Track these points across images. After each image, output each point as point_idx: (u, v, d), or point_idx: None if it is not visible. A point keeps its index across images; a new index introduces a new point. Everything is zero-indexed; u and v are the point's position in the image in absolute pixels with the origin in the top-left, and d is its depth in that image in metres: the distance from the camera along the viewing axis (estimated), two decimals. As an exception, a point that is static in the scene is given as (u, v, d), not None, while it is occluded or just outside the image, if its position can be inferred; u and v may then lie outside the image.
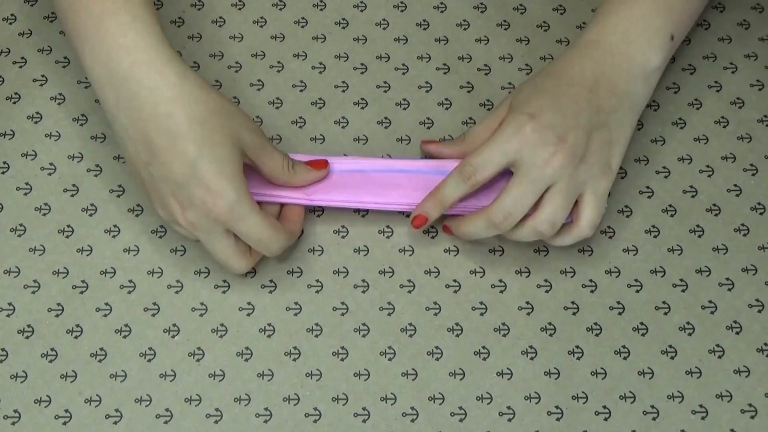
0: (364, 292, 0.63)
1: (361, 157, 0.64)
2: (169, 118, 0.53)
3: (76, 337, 0.61)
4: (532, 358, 0.62)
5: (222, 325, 0.62)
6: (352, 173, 0.62)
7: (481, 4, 0.72)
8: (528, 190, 0.57)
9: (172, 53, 0.55)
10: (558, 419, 0.60)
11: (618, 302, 0.63)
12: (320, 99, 0.68)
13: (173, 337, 0.62)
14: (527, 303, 0.63)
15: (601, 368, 0.62)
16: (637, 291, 0.64)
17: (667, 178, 0.67)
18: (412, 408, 0.60)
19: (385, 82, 0.69)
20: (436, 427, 0.60)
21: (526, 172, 0.57)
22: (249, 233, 0.56)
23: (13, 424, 0.59)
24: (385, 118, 0.68)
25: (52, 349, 0.61)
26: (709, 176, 0.67)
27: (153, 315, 0.62)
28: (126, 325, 0.62)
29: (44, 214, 0.64)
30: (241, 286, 0.63)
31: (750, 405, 0.61)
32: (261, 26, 0.70)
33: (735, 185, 0.67)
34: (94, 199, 0.65)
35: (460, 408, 0.60)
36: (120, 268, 0.63)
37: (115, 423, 0.59)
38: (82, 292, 0.62)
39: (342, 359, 0.61)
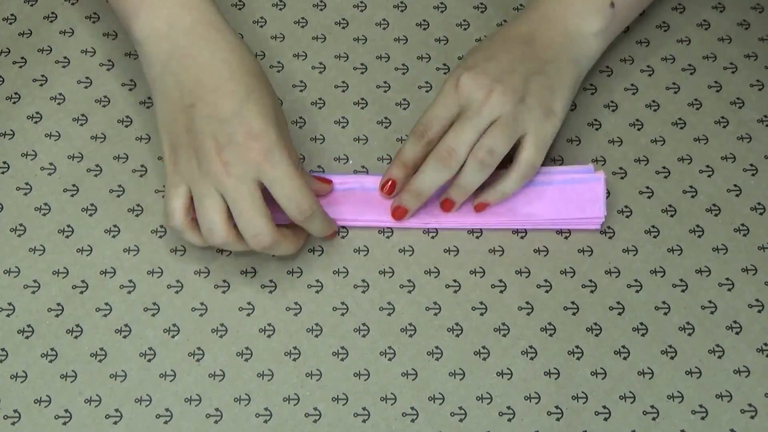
0: (364, 292, 0.63)
1: (362, 175, 0.65)
2: (224, 63, 0.57)
3: (76, 337, 0.61)
4: (532, 358, 0.62)
5: (222, 325, 0.62)
6: (353, 191, 0.64)
7: (481, 4, 0.72)
8: (468, 126, 0.59)
9: (227, 22, 0.60)
10: (558, 419, 0.60)
11: (618, 302, 0.63)
12: (320, 99, 0.68)
13: (173, 337, 0.62)
14: (527, 303, 0.63)
15: (601, 368, 0.62)
16: (637, 291, 0.64)
17: (667, 178, 0.67)
18: (412, 408, 0.60)
19: (385, 82, 0.69)
20: (436, 427, 0.60)
21: (467, 114, 0.60)
22: (281, 182, 0.55)
23: (13, 424, 0.59)
24: (385, 118, 0.68)
25: (52, 349, 0.61)
26: (709, 176, 0.67)
27: (153, 315, 0.62)
28: (126, 325, 0.62)
29: (44, 214, 0.64)
30: (241, 286, 0.63)
31: (750, 405, 0.61)
32: (261, 26, 0.70)
33: (735, 185, 0.67)
34: (94, 199, 0.65)
35: (460, 408, 0.60)
36: (120, 268, 0.63)
37: (115, 423, 0.59)
38: (82, 292, 0.62)
39: (342, 359, 0.61)
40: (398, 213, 0.63)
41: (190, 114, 0.56)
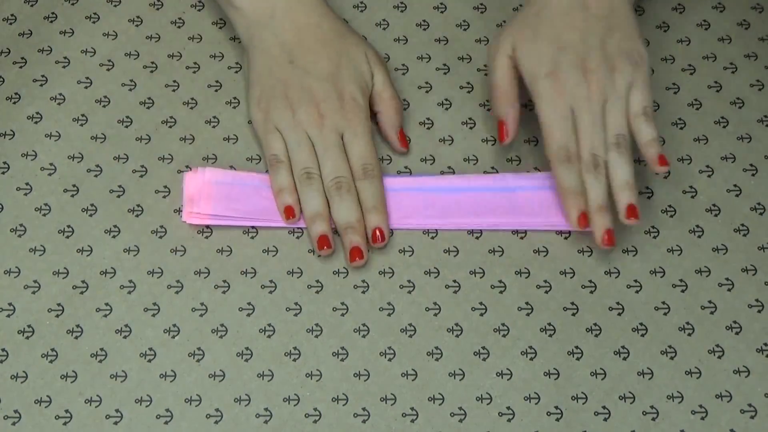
0: (364, 292, 0.63)
1: (419, 176, 0.66)
2: (318, 27, 0.65)
3: (76, 338, 0.61)
4: (531, 359, 0.62)
5: (222, 325, 0.62)
6: (411, 192, 0.65)
7: (481, 4, 0.72)
8: (592, 129, 0.60)
9: None
10: (558, 419, 0.60)
11: (617, 303, 0.63)
12: (320, 99, 0.68)
13: (173, 337, 0.62)
14: (527, 303, 0.63)
15: (601, 368, 0.62)
16: (637, 291, 0.64)
17: (667, 179, 0.67)
18: (412, 408, 0.60)
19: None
20: (436, 428, 0.60)
21: (582, 116, 0.61)
22: (358, 138, 0.63)
23: (14, 424, 0.59)
24: (385, 118, 0.68)
25: (52, 350, 0.61)
26: (709, 176, 0.67)
27: (153, 315, 0.62)
28: (126, 325, 0.62)
29: (44, 214, 0.64)
30: (241, 286, 0.63)
31: (750, 405, 0.61)
32: (261, 26, 0.70)
33: (735, 185, 0.67)
34: (94, 199, 0.65)
35: (460, 408, 0.60)
36: (120, 268, 0.63)
37: (115, 423, 0.59)
38: (82, 292, 0.62)
39: (342, 359, 0.61)
40: (608, 239, 0.61)
41: (288, 69, 0.64)
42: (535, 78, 0.62)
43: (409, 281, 0.63)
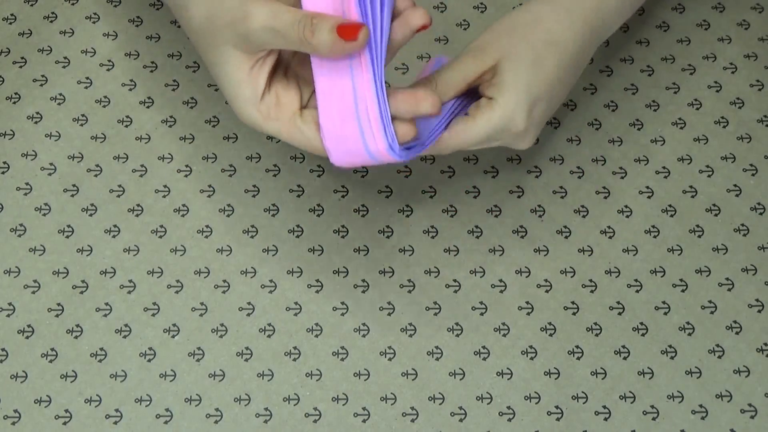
0: (364, 292, 0.63)
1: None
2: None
3: (76, 337, 0.61)
4: (532, 358, 0.62)
5: (222, 325, 0.62)
6: None
7: (481, 4, 0.72)
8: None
9: None
10: (558, 419, 0.60)
11: (618, 302, 0.63)
12: (320, 99, 0.68)
13: (173, 337, 0.62)
14: (527, 303, 0.63)
15: (601, 368, 0.62)
16: (637, 291, 0.64)
17: (667, 178, 0.67)
18: (412, 408, 0.60)
19: (385, 82, 0.69)
20: (436, 427, 0.60)
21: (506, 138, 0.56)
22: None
23: (13, 424, 0.59)
24: (385, 118, 0.68)
25: (52, 349, 0.61)
26: (709, 176, 0.67)
27: (153, 315, 0.62)
28: (126, 325, 0.62)
29: (44, 214, 0.64)
30: (241, 286, 0.63)
31: (750, 405, 0.61)
32: (261, 26, 0.70)
33: (735, 185, 0.67)
34: (94, 199, 0.65)
35: (460, 408, 0.60)
36: (120, 268, 0.63)
37: (115, 423, 0.59)
38: (82, 292, 0.62)
39: (342, 359, 0.61)
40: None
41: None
42: (519, 99, 0.54)
43: (409, 281, 0.63)
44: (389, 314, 0.63)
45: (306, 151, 0.51)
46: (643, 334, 0.62)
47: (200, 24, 0.51)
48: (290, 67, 0.53)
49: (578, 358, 0.62)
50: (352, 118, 0.49)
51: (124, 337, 0.61)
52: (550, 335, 0.62)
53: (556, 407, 0.61)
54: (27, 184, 0.65)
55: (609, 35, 0.61)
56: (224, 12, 0.49)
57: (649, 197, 0.66)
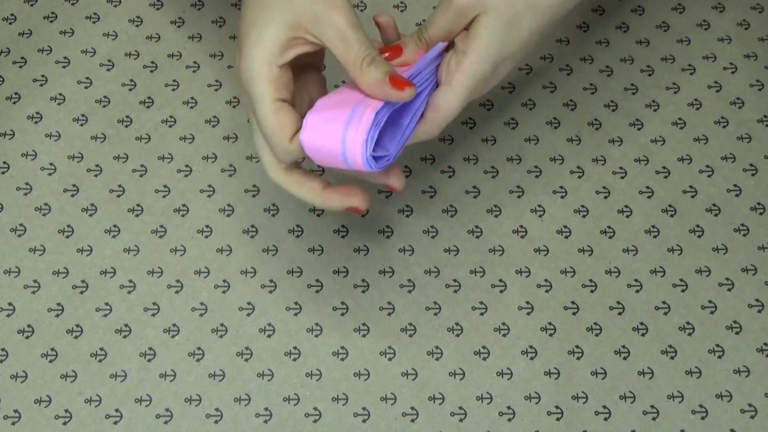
0: (364, 292, 0.63)
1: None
2: None
3: (76, 337, 0.61)
4: (532, 358, 0.62)
5: (222, 325, 0.62)
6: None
7: (481, 4, 0.72)
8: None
9: None
10: (558, 419, 0.60)
11: (618, 302, 0.63)
12: (320, 99, 0.68)
13: (173, 337, 0.62)
14: (527, 303, 0.63)
15: (601, 368, 0.62)
16: (637, 291, 0.64)
17: (667, 178, 0.67)
18: (412, 408, 0.60)
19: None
20: (436, 427, 0.60)
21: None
22: (258, 120, 0.51)
23: (13, 424, 0.59)
24: (385, 118, 0.68)
25: (52, 349, 0.61)
26: (709, 176, 0.67)
27: (153, 315, 0.62)
28: (126, 325, 0.62)
29: (44, 214, 0.64)
30: (241, 286, 0.63)
31: (750, 405, 0.61)
32: (261, 26, 0.70)
33: (735, 185, 0.67)
34: (94, 199, 0.65)
35: (460, 408, 0.60)
36: (120, 268, 0.63)
37: (115, 423, 0.59)
38: (82, 292, 0.62)
39: (342, 359, 0.61)
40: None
41: None
42: (482, 56, 0.54)
43: (409, 281, 0.63)
44: (389, 314, 0.63)
45: (262, 131, 0.51)
46: (643, 334, 0.62)
47: None
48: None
49: (578, 358, 0.62)
50: (345, 115, 0.49)
51: (124, 337, 0.61)
52: (550, 335, 0.62)
53: (556, 407, 0.61)
54: (27, 184, 0.65)
55: (573, 5, 0.60)
56: None
57: (649, 197, 0.66)
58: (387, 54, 0.55)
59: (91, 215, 0.64)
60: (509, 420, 0.60)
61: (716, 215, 0.66)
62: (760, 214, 0.66)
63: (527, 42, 0.56)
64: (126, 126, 0.67)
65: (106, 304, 0.62)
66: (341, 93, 0.51)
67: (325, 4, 0.50)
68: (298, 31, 0.50)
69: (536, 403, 0.61)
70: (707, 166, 0.67)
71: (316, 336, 0.62)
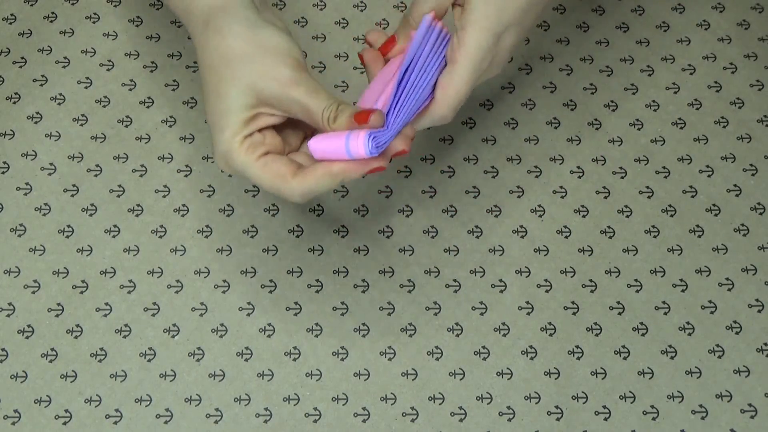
0: (364, 292, 0.63)
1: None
2: (199, 67, 0.54)
3: (76, 337, 0.61)
4: (532, 358, 0.62)
5: (222, 325, 0.62)
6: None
7: (481, 4, 0.72)
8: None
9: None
10: (558, 419, 0.60)
11: (618, 302, 0.63)
12: (320, 99, 0.68)
13: (173, 337, 0.62)
14: (527, 303, 0.63)
15: (601, 368, 0.62)
16: (637, 291, 0.64)
17: (667, 178, 0.67)
18: (412, 408, 0.60)
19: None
20: (436, 427, 0.60)
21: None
22: (257, 184, 0.53)
23: (13, 424, 0.59)
24: (385, 118, 0.68)
25: (52, 349, 0.61)
26: (709, 176, 0.67)
27: (153, 315, 0.62)
28: (126, 325, 0.62)
29: (44, 214, 0.64)
30: (241, 286, 0.63)
31: (750, 405, 0.61)
32: (261, 26, 0.70)
33: (735, 185, 0.67)
34: (94, 199, 0.65)
35: (460, 408, 0.60)
36: (120, 268, 0.63)
37: (115, 423, 0.59)
38: (82, 292, 0.62)
39: (342, 359, 0.61)
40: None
41: None
42: (482, 26, 0.54)
43: (409, 281, 0.63)
44: (389, 314, 0.63)
45: (264, 189, 0.53)
46: (643, 334, 0.62)
47: (230, 54, 0.52)
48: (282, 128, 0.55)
49: (578, 358, 0.62)
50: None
51: (124, 337, 0.61)
52: (550, 335, 0.62)
53: (556, 407, 0.61)
54: (27, 184, 0.65)
55: None
56: (266, 62, 0.52)
57: (649, 197, 0.66)
58: (381, 49, 0.56)
59: (91, 215, 0.64)
60: (509, 420, 0.60)
61: (716, 215, 0.66)
62: (760, 214, 0.66)
63: (528, 6, 0.54)
64: (126, 126, 0.67)
65: (106, 304, 0.62)
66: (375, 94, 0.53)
67: (281, 83, 0.52)
68: (260, 107, 0.52)
69: (536, 403, 0.61)
70: (707, 166, 0.67)
71: (316, 336, 0.62)
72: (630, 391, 0.61)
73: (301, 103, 0.52)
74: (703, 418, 0.61)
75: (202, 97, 0.55)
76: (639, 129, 0.68)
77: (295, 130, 0.56)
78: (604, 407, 0.61)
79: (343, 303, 0.63)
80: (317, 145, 0.51)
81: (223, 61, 0.53)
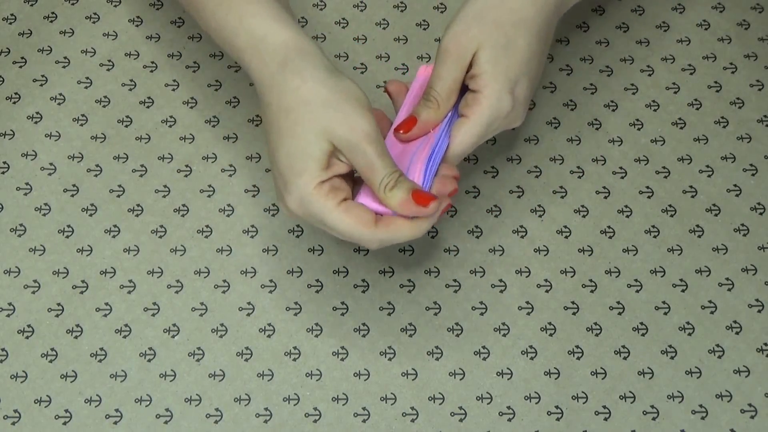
0: (364, 292, 0.63)
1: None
2: (268, 108, 0.54)
3: (76, 337, 0.61)
4: (532, 358, 0.62)
5: (222, 325, 0.62)
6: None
7: (481, 4, 0.72)
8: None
9: (281, 38, 0.54)
10: (558, 419, 0.60)
11: (618, 302, 0.63)
12: (320, 99, 0.68)
13: (173, 337, 0.62)
14: (527, 303, 0.63)
15: (601, 368, 0.62)
16: (637, 291, 0.64)
17: (667, 178, 0.67)
18: (412, 408, 0.60)
19: (385, 82, 0.69)
20: (436, 427, 0.60)
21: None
22: (333, 231, 0.53)
23: (13, 424, 0.59)
24: (385, 118, 0.68)
25: (52, 349, 0.61)
26: (709, 176, 0.67)
27: (153, 315, 0.62)
28: (126, 325, 0.62)
29: (44, 214, 0.64)
30: (241, 286, 0.63)
31: (750, 405, 0.61)
32: (261, 26, 0.70)
33: (735, 185, 0.67)
34: (94, 199, 0.65)
35: (460, 408, 0.60)
36: (120, 268, 0.63)
37: (115, 423, 0.59)
38: (82, 292, 0.62)
39: (342, 359, 0.61)
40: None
41: None
42: (494, 88, 0.56)
43: (409, 281, 0.63)
44: (389, 314, 0.63)
45: (343, 234, 0.53)
46: (643, 334, 0.62)
47: (310, 98, 0.53)
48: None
49: (578, 358, 0.62)
50: (407, 158, 0.56)
51: (124, 337, 0.61)
52: (550, 335, 0.62)
53: (556, 407, 0.61)
54: (27, 184, 0.65)
55: (572, 4, 0.61)
56: (346, 111, 0.52)
57: (649, 197, 0.66)
58: (402, 129, 0.56)
59: (91, 215, 0.64)
60: (509, 420, 0.60)
61: (716, 215, 0.66)
62: (760, 214, 0.66)
63: (531, 57, 0.57)
64: (126, 126, 0.67)
65: (106, 304, 0.62)
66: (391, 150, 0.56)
67: (358, 134, 0.52)
68: (335, 154, 0.53)
69: (536, 403, 0.61)
70: (707, 166, 0.67)
71: (316, 336, 0.62)
72: (630, 391, 0.61)
73: (370, 159, 0.52)
74: (703, 418, 0.61)
75: (270, 140, 0.54)
76: (639, 129, 0.68)
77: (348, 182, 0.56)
78: (604, 407, 0.61)
79: (343, 303, 0.63)
80: (370, 205, 0.54)
81: (302, 103, 0.53)
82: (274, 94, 0.54)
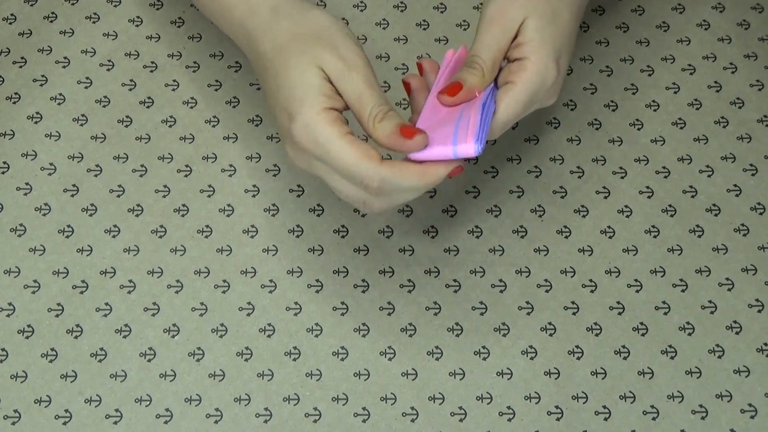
0: (364, 292, 0.63)
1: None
2: (263, 56, 0.55)
3: (76, 337, 0.61)
4: (532, 358, 0.62)
5: (222, 325, 0.62)
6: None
7: (481, 4, 0.72)
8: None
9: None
10: (558, 419, 0.60)
11: (618, 302, 0.63)
12: (320, 99, 0.68)
13: (173, 337, 0.62)
14: (527, 303, 0.63)
15: (601, 368, 0.62)
16: (637, 291, 0.64)
17: (667, 178, 0.67)
18: (412, 408, 0.60)
19: (385, 82, 0.69)
20: (436, 427, 0.60)
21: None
22: (335, 164, 0.51)
23: (13, 424, 0.59)
24: (385, 118, 0.68)
25: (52, 349, 0.61)
26: (709, 176, 0.67)
27: (153, 315, 0.62)
28: (126, 325, 0.62)
29: (44, 214, 0.64)
30: (241, 286, 0.63)
31: (750, 405, 0.61)
32: (261, 26, 0.70)
33: (735, 185, 0.67)
34: (94, 199, 0.65)
35: (460, 408, 0.60)
36: (120, 268, 0.63)
37: (115, 423, 0.59)
38: (82, 292, 0.62)
39: (342, 359, 0.61)
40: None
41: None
42: (542, 55, 0.55)
43: (409, 281, 0.63)
44: (389, 314, 0.63)
45: (346, 169, 0.51)
46: (643, 334, 0.62)
47: (300, 32, 0.54)
48: None
49: (578, 358, 0.62)
50: (452, 123, 0.52)
51: (124, 337, 0.61)
52: (550, 335, 0.62)
53: (556, 407, 0.61)
54: (27, 184, 0.65)
55: None
56: (336, 40, 0.54)
57: (649, 197, 0.66)
58: (448, 92, 0.55)
59: (91, 215, 0.64)
60: (509, 420, 0.60)
61: (716, 215, 0.66)
62: (760, 214, 0.66)
63: (571, 31, 0.57)
64: (126, 126, 0.67)
65: (106, 304, 0.62)
66: (438, 113, 0.54)
67: (347, 63, 0.53)
68: (333, 85, 0.53)
69: (536, 403, 0.61)
70: (707, 166, 0.67)
71: (316, 336, 0.62)
72: (630, 391, 0.61)
73: (358, 88, 0.52)
74: (703, 418, 0.61)
75: (268, 87, 0.54)
76: (639, 129, 0.68)
77: None
78: (604, 407, 0.61)
79: (343, 303, 0.63)
80: (420, 155, 0.51)
81: (294, 39, 0.54)
82: (267, 40, 0.55)
